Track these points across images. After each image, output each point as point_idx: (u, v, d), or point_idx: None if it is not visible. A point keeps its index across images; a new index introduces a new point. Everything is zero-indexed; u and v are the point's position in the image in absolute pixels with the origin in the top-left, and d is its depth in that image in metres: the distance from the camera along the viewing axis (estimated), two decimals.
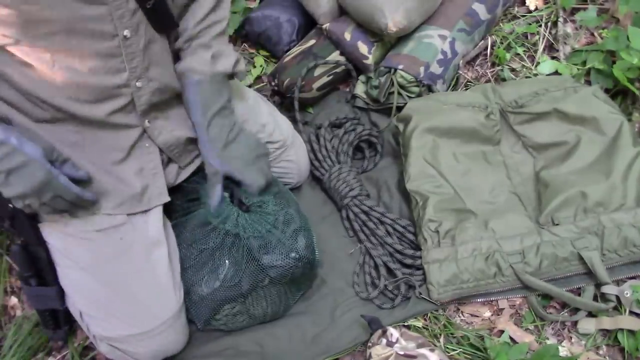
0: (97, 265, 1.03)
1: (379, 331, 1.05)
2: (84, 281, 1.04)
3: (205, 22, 1.06)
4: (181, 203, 1.17)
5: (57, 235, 1.04)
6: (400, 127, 1.31)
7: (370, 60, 1.45)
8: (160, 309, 1.05)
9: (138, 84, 0.97)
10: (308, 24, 1.57)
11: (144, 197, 1.06)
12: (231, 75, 1.12)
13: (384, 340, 1.03)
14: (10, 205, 0.97)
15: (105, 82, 0.94)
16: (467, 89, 1.45)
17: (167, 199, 1.09)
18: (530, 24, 1.54)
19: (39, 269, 1.08)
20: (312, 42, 1.50)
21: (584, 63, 1.41)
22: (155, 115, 1.05)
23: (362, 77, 1.51)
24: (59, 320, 1.15)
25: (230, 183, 1.13)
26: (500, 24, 1.57)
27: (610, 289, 1.06)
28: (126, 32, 0.91)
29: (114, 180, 1.03)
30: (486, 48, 1.53)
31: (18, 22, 0.82)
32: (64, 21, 0.84)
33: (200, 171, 1.18)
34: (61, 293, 1.09)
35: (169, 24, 1.01)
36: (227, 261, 1.08)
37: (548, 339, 1.09)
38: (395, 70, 1.40)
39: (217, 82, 1.08)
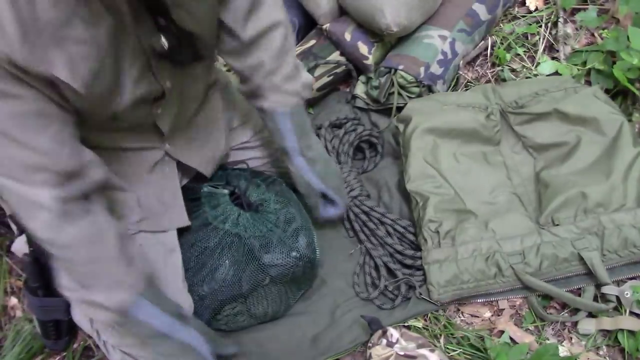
0: None
1: (379, 331, 1.05)
2: None
3: (281, 54, 1.03)
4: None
5: None
6: (401, 127, 1.31)
7: (370, 61, 1.45)
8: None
9: (159, 110, 0.98)
10: (308, 24, 1.57)
11: (164, 219, 1.07)
12: None
13: (384, 341, 1.03)
14: None
15: (141, 121, 0.97)
16: (467, 90, 1.45)
17: (187, 222, 1.10)
18: (530, 25, 1.54)
19: (48, 280, 1.07)
20: (312, 42, 1.50)
21: (584, 63, 1.41)
22: (177, 135, 1.06)
23: (362, 78, 1.51)
24: (61, 331, 1.15)
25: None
26: (501, 25, 1.57)
27: (610, 290, 1.06)
28: (168, 83, 0.92)
29: (136, 197, 1.04)
30: (486, 48, 1.53)
31: (99, 119, 0.86)
32: (128, 102, 0.87)
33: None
34: (67, 304, 1.09)
35: (202, 57, 0.98)
36: (227, 261, 1.08)
37: (548, 339, 1.09)
38: (396, 70, 1.40)
39: (303, 106, 1.11)
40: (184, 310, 0.96)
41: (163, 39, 0.82)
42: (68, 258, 0.85)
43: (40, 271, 1.06)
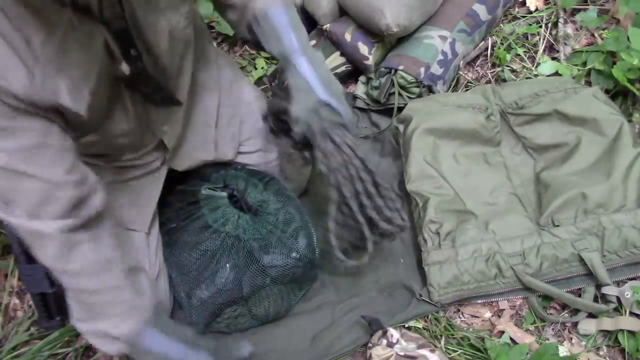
0: None
1: (380, 332, 1.05)
2: None
3: None
4: (181, 207, 1.17)
5: None
6: (401, 128, 1.31)
7: (370, 61, 1.45)
8: None
9: (165, 128, 1.00)
10: (308, 25, 1.57)
11: (125, 219, 1.09)
12: None
13: (385, 341, 1.03)
14: None
15: (147, 142, 1.02)
16: (467, 90, 1.45)
17: (145, 230, 1.11)
18: (530, 25, 1.54)
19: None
20: (313, 42, 1.50)
21: (585, 64, 1.41)
22: (177, 147, 1.07)
23: (362, 78, 1.51)
24: (50, 309, 1.16)
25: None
26: (501, 25, 1.57)
27: (610, 290, 1.06)
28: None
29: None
30: (486, 49, 1.53)
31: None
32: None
33: (198, 173, 1.18)
34: (48, 273, 1.09)
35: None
36: (227, 264, 1.08)
37: (548, 339, 1.09)
38: (396, 71, 1.40)
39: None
40: (192, 333, 0.96)
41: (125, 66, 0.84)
42: (77, 287, 0.86)
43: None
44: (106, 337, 0.88)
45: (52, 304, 1.16)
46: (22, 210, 0.77)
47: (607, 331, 1.07)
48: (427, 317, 1.14)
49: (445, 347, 1.10)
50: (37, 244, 0.81)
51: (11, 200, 0.76)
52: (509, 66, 1.49)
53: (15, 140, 0.71)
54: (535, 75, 1.45)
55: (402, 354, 0.99)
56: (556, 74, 1.43)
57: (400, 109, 1.38)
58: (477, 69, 1.53)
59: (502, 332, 1.10)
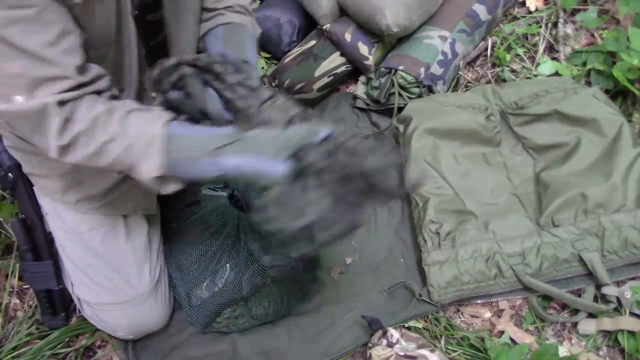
0: (79, 230, 1.09)
1: (380, 332, 1.05)
2: (69, 243, 1.10)
3: None
4: (181, 208, 1.17)
5: (49, 202, 1.10)
6: (401, 128, 1.32)
7: (370, 61, 1.45)
8: (135, 282, 1.10)
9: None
10: (308, 25, 1.58)
11: (129, 204, 1.10)
12: None
13: (385, 341, 1.03)
14: (11, 175, 1.06)
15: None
16: (467, 90, 1.45)
17: (154, 211, 1.14)
18: (530, 25, 1.54)
19: (35, 242, 1.13)
20: (313, 43, 1.50)
21: (584, 64, 1.41)
22: None
23: (362, 78, 1.51)
24: (55, 305, 1.17)
25: None
26: (501, 25, 1.57)
27: (610, 290, 1.06)
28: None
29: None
30: (486, 49, 1.53)
31: None
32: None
33: None
34: (56, 270, 1.14)
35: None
36: (227, 265, 1.08)
37: (548, 339, 1.09)
38: (396, 71, 1.40)
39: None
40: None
41: None
42: (98, 146, 0.80)
43: (27, 232, 1.12)
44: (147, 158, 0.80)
45: (57, 300, 1.17)
46: (19, 87, 0.75)
47: (607, 331, 1.07)
48: (427, 317, 1.14)
49: (445, 347, 1.10)
50: (42, 127, 0.78)
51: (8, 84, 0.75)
52: (509, 66, 1.49)
53: (20, 11, 0.71)
54: (535, 76, 1.45)
55: (402, 354, 0.99)
56: (556, 74, 1.43)
57: (400, 109, 1.38)
58: (477, 69, 1.53)
59: (502, 332, 1.10)
